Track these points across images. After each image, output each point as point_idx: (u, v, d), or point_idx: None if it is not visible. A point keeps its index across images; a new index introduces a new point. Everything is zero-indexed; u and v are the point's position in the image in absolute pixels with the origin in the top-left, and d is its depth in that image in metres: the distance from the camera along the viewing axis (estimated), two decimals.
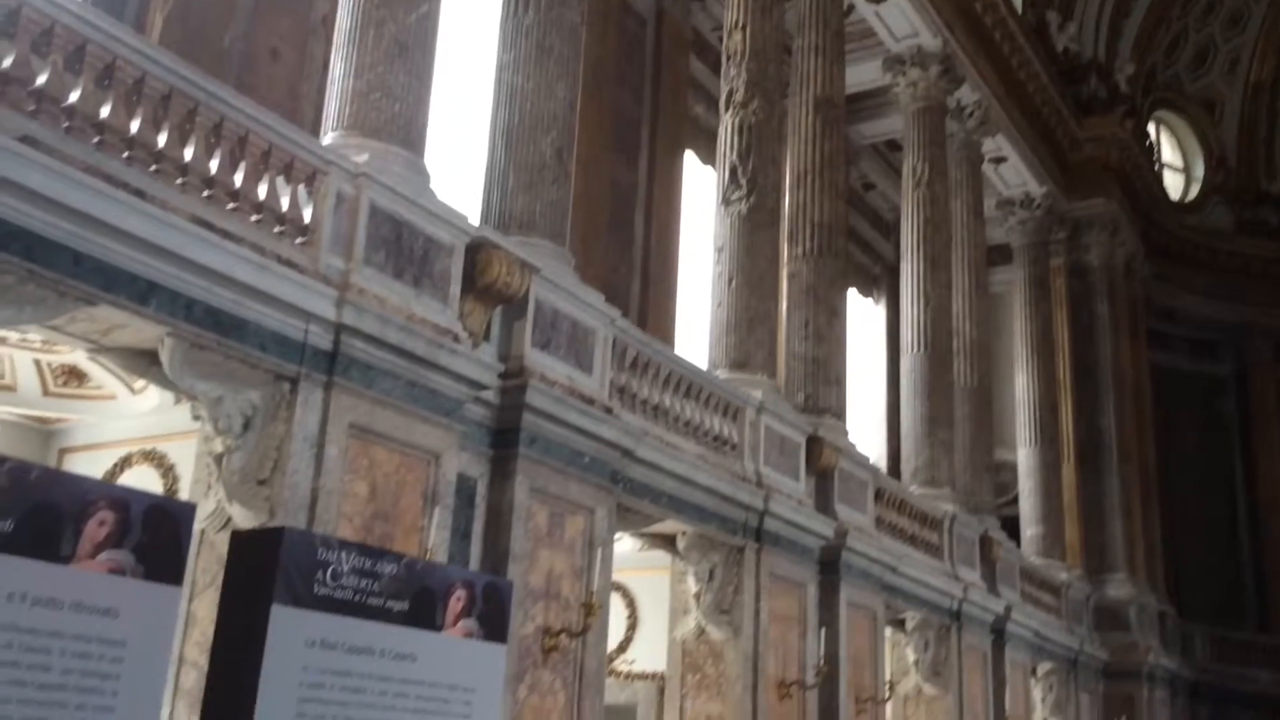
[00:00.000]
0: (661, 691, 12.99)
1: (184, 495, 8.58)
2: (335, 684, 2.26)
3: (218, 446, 7.25)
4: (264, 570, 2.20)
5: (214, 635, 2.25)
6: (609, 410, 9.87)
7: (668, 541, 12.03)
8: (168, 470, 8.80)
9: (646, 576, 13.29)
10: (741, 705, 11.81)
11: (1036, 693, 20.15)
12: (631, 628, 13.67)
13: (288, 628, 2.19)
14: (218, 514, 7.20)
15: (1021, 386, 22.25)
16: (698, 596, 12.09)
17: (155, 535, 2.12)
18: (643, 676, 13.46)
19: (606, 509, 9.88)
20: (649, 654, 13.31)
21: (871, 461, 15.66)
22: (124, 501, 2.07)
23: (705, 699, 12.07)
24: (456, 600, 2.58)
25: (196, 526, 7.31)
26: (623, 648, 13.44)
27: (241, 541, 2.29)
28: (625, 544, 12.29)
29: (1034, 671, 19.94)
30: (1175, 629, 25.46)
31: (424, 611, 2.48)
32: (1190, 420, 28.19)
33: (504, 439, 9.05)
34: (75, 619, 1.85)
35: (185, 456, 7.92)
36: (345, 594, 2.31)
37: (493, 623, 2.67)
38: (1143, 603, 23.75)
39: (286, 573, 2.20)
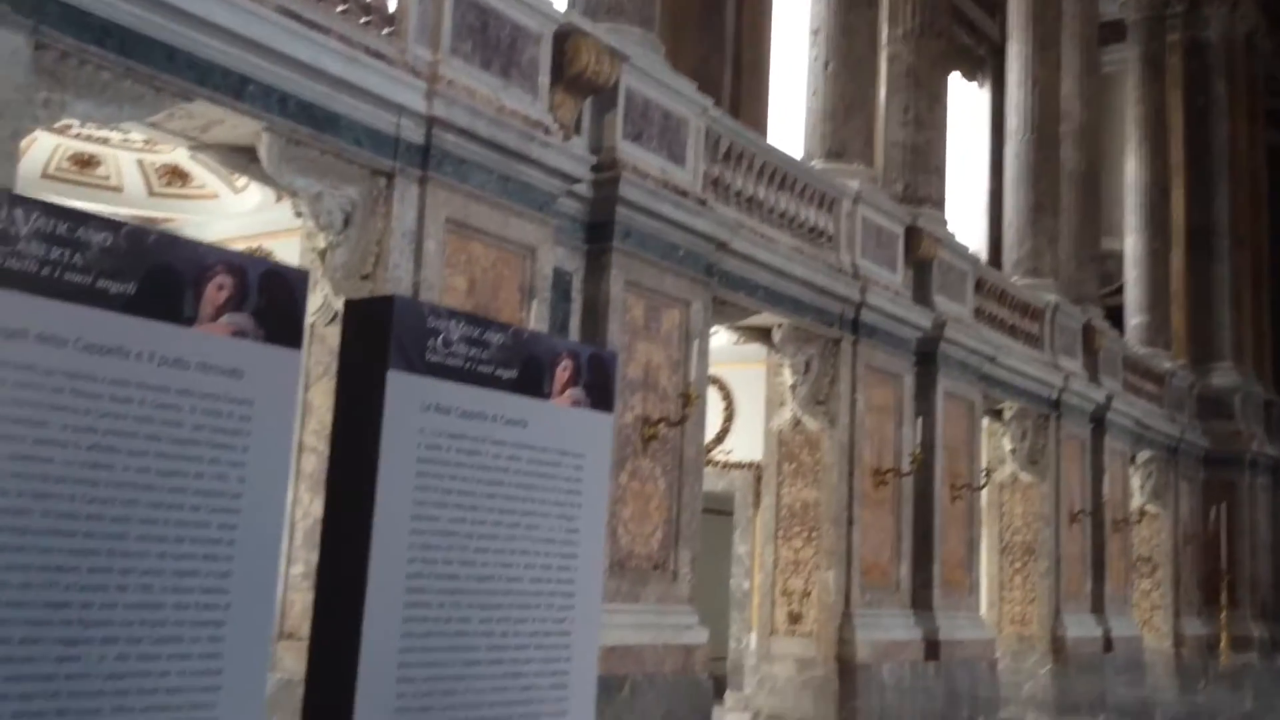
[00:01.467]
0: (758, 479, 13.32)
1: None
2: (451, 446, 2.32)
3: (320, 242, 7.37)
4: (378, 337, 2.24)
5: (335, 401, 2.32)
6: (702, 202, 9.76)
7: (763, 334, 12.07)
8: None
9: (742, 370, 13.44)
10: (837, 492, 12.06)
11: (1135, 480, 20.19)
12: (728, 419, 13.93)
13: (403, 392, 2.24)
14: (325, 308, 7.39)
15: (1131, 171, 21.41)
16: (794, 388, 12.20)
17: (273, 300, 2.11)
18: (739, 466, 13.78)
19: (702, 302, 9.91)
20: (745, 444, 13.59)
21: (971, 252, 15.35)
22: (241, 266, 2.07)
23: (801, 486, 12.33)
24: (563, 370, 2.61)
25: (306, 321, 7.53)
26: (720, 438, 13.74)
27: (355, 310, 2.33)
28: (721, 337, 12.38)
29: (1133, 459, 19.92)
30: None
31: (532, 379, 2.51)
32: None
33: (598, 233, 9.05)
34: (202, 379, 1.92)
35: (290, 254, 8.08)
36: (456, 361, 2.35)
37: (599, 392, 2.71)
38: (1248, 391, 23.35)
39: (399, 339, 2.23)
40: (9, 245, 1.69)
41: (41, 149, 7.69)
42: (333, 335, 7.48)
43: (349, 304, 2.35)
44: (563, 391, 2.66)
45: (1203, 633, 21.13)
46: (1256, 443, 22.98)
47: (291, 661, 7.20)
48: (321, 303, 7.44)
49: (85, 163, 7.96)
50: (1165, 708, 11.24)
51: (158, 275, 1.89)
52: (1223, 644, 20.26)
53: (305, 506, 7.55)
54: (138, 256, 1.85)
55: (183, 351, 1.89)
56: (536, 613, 2.62)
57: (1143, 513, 20.19)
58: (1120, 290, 21.88)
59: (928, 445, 12.94)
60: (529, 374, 2.58)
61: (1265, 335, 24.58)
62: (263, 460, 2.05)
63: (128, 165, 7.93)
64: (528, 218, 8.09)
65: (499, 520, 2.52)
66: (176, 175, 8.18)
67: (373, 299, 2.27)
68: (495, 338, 2.50)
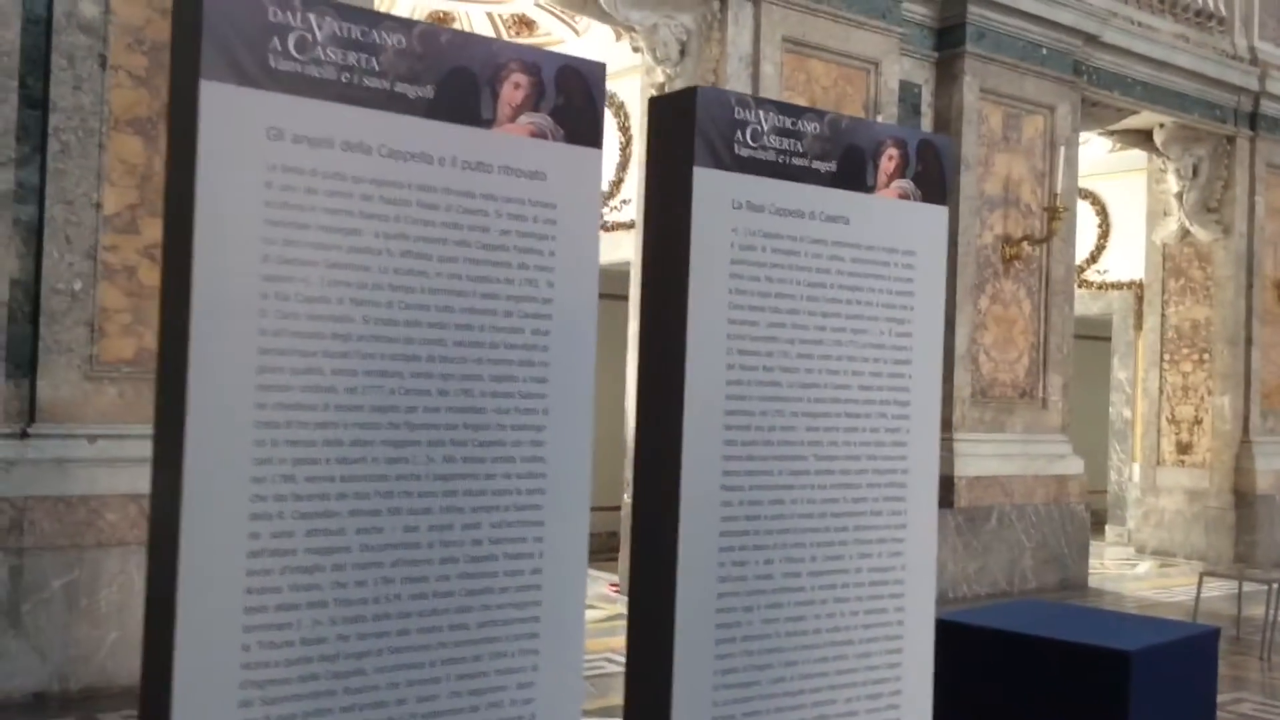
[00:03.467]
0: (1139, 299, 12.27)
1: (635, 134, 8.89)
2: (766, 245, 2.18)
3: (658, 76, 7.33)
4: (683, 132, 2.12)
5: (644, 204, 2.24)
6: None
7: (1143, 138, 10.91)
8: (618, 109, 9.12)
9: (1118, 180, 12.30)
10: (1233, 308, 10.88)
11: None
12: (1103, 236, 12.88)
13: (712, 189, 2.12)
14: None
15: None
16: (1180, 196, 11.01)
17: (570, 98, 2.04)
18: (1117, 286, 12.76)
19: (1069, 105, 9.05)
20: (1123, 262, 12.54)
21: None
22: (535, 64, 2.01)
23: (1190, 304, 11.24)
24: (889, 159, 2.38)
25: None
26: (1093, 258, 12.74)
27: (659, 106, 2.21)
28: (1093, 146, 11.33)
29: None
30: None
31: (853, 172, 2.31)
32: None
33: (948, 38, 8.42)
34: (505, 182, 1.89)
35: (632, 93, 8.12)
36: (768, 155, 2.19)
37: (931, 183, 2.46)
38: None
39: (705, 133, 2.10)
40: (307, 53, 1.71)
41: (399, 9, 8.08)
42: None
43: (653, 101, 2.24)
44: (889, 183, 2.44)
45: None
46: None
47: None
48: None
49: (441, 19, 8.31)
50: None
51: (455, 77, 1.86)
52: None
53: None
54: (434, 58, 1.82)
55: (484, 155, 1.87)
56: (868, 422, 2.47)
57: None
58: None
59: None
60: (849, 165, 2.38)
61: None
62: (569, 264, 2.01)
63: (478, 17, 8.20)
64: (869, 28, 7.64)
65: (822, 325, 2.37)
66: (524, 24, 8.38)
67: (677, 92, 2.15)
68: (810, 127, 2.31)
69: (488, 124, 1.91)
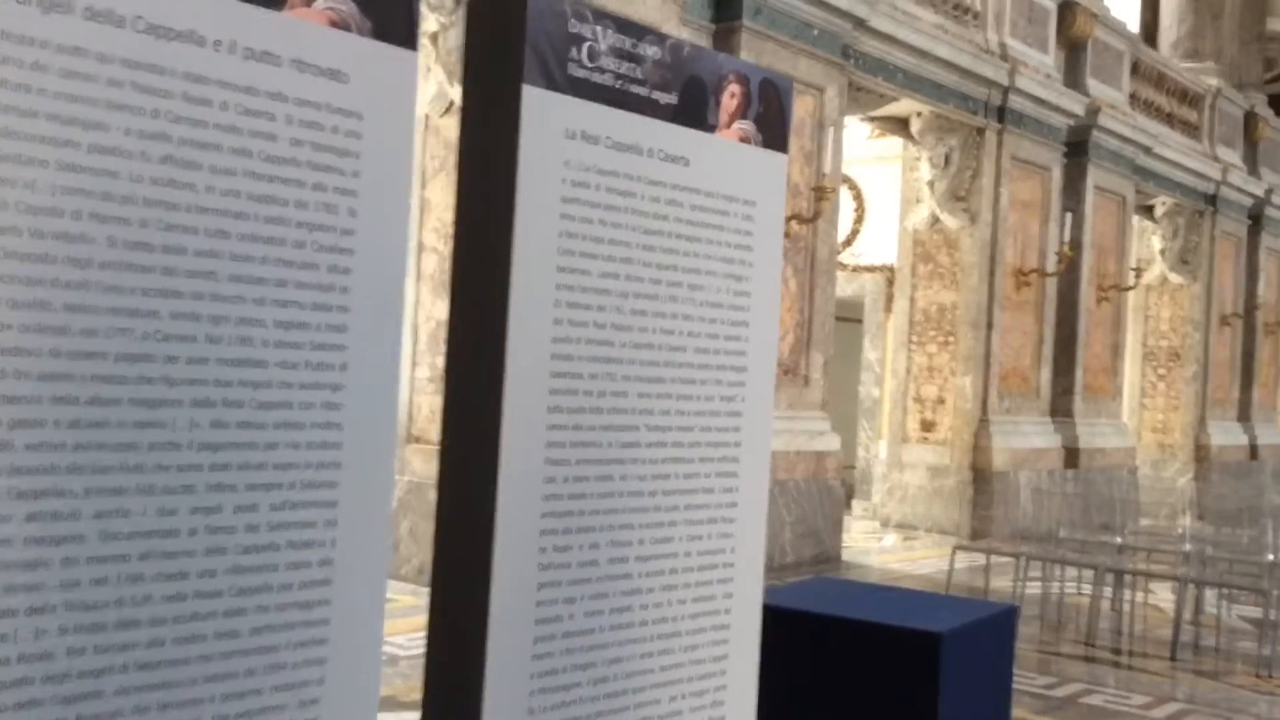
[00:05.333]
0: (890, 283, 12.73)
1: None
2: (601, 184, 1.88)
3: (431, 25, 6.88)
4: (510, 43, 1.79)
5: (460, 129, 1.88)
6: None
7: (900, 125, 11.27)
8: None
9: (874, 167, 12.70)
10: (976, 294, 11.43)
11: None
12: (858, 220, 13.28)
13: (543, 113, 1.79)
14: (439, 97, 6.95)
15: None
16: (931, 184, 11.45)
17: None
18: (870, 269, 13.20)
19: (837, 87, 9.18)
20: (876, 246, 12.97)
21: (1129, 30, 14.06)
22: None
23: (938, 288, 11.73)
24: (730, 97, 2.12)
25: (420, 110, 7.11)
26: (848, 241, 13.11)
27: (481, 12, 1.86)
28: (852, 133, 11.63)
29: None
30: None
31: (694, 107, 2.04)
32: None
33: (726, 10, 8.34)
34: (298, 80, 1.57)
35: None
36: (605, 79, 1.88)
37: (772, 127, 2.23)
38: None
39: (536, 47, 1.77)
40: None
41: None
42: (449, 127, 7.06)
43: (472, 6, 1.89)
44: (730, 124, 2.19)
45: None
46: None
47: (420, 464, 7.09)
48: (435, 91, 7.00)
49: None
50: None
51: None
52: None
53: (428, 308, 7.31)
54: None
55: (271, 42, 1.48)
56: (703, 389, 2.22)
57: None
58: None
59: (1075, 244, 12.14)
60: (691, 100, 2.11)
61: None
62: (376, 188, 1.64)
63: None
64: None
65: (658, 278, 2.10)
66: None
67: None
68: (651, 51, 2.02)
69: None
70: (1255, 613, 7.65)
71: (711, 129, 2.16)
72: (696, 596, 2.26)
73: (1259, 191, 16.46)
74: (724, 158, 2.18)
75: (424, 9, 6.88)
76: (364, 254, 1.64)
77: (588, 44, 1.92)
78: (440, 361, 6.69)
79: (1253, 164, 16.64)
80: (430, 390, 7.17)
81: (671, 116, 2.08)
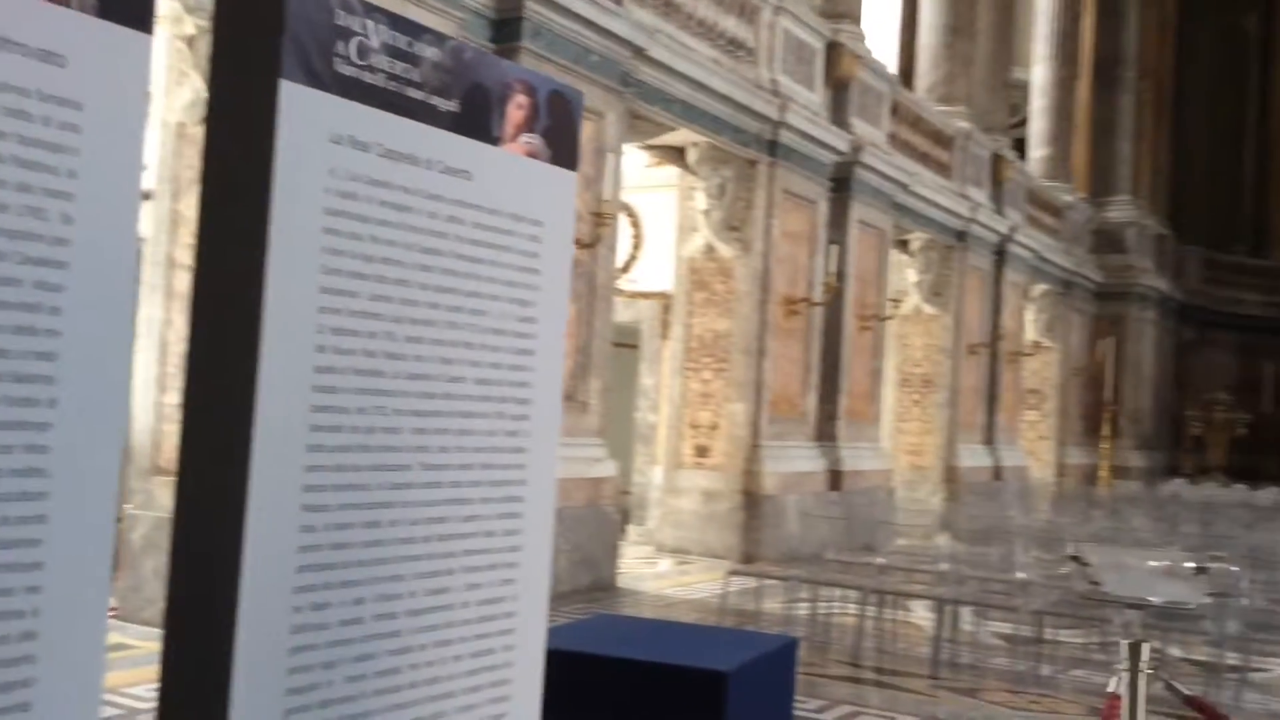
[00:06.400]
0: (666, 309, 12.84)
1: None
2: (372, 196, 1.68)
3: (188, 28, 6.42)
4: (266, 34, 1.56)
5: (205, 134, 1.64)
6: (618, 1, 8.93)
7: (677, 155, 11.41)
8: None
9: (651, 195, 12.79)
10: (749, 321, 11.66)
11: (1029, 313, 20.36)
12: (636, 247, 13.34)
13: (305, 113, 1.58)
14: (197, 104, 6.49)
15: None
16: (707, 214, 11.63)
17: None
18: (646, 296, 13.27)
19: (616, 114, 9.17)
20: (653, 273, 13.07)
21: (889, 73, 14.76)
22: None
23: (713, 316, 11.90)
24: (517, 108, 1.96)
25: (172, 118, 6.61)
26: (626, 268, 13.16)
27: None
28: (630, 161, 11.68)
29: (1028, 292, 20.05)
30: (1171, 252, 25.52)
31: (477, 117, 1.87)
32: (1209, 35, 26.81)
33: (505, 31, 8.18)
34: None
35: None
36: (377, 79, 1.69)
37: (561, 143, 2.07)
38: (1142, 225, 23.61)
39: (297, 38, 1.55)
40: None
41: None
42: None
43: None
44: (516, 136, 2.02)
45: (1084, 463, 21.77)
46: (1147, 276, 23.37)
47: (169, 498, 6.55)
48: (192, 97, 6.53)
49: None
50: (1064, 529, 11.37)
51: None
52: (1104, 473, 20.89)
53: (179, 330, 6.78)
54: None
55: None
56: (485, 423, 2.03)
57: (1035, 346, 20.44)
58: (1024, 122, 21.64)
59: (840, 274, 12.59)
60: (473, 108, 1.93)
61: (1162, 169, 24.74)
62: (98, 192, 1.38)
63: None
64: (427, 6, 7.21)
65: (435, 302, 1.90)
66: None
67: None
68: (430, 51, 1.83)
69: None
70: (1007, 629, 8.03)
71: (496, 141, 1.98)
72: (475, 651, 2.07)
73: (1003, 229, 17.59)
74: (509, 173, 2.01)
75: (182, 10, 6.43)
76: (82, 268, 1.38)
77: (357, 39, 1.72)
78: None
79: (998, 203, 17.78)
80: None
81: (452, 125, 1.89)
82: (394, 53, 1.79)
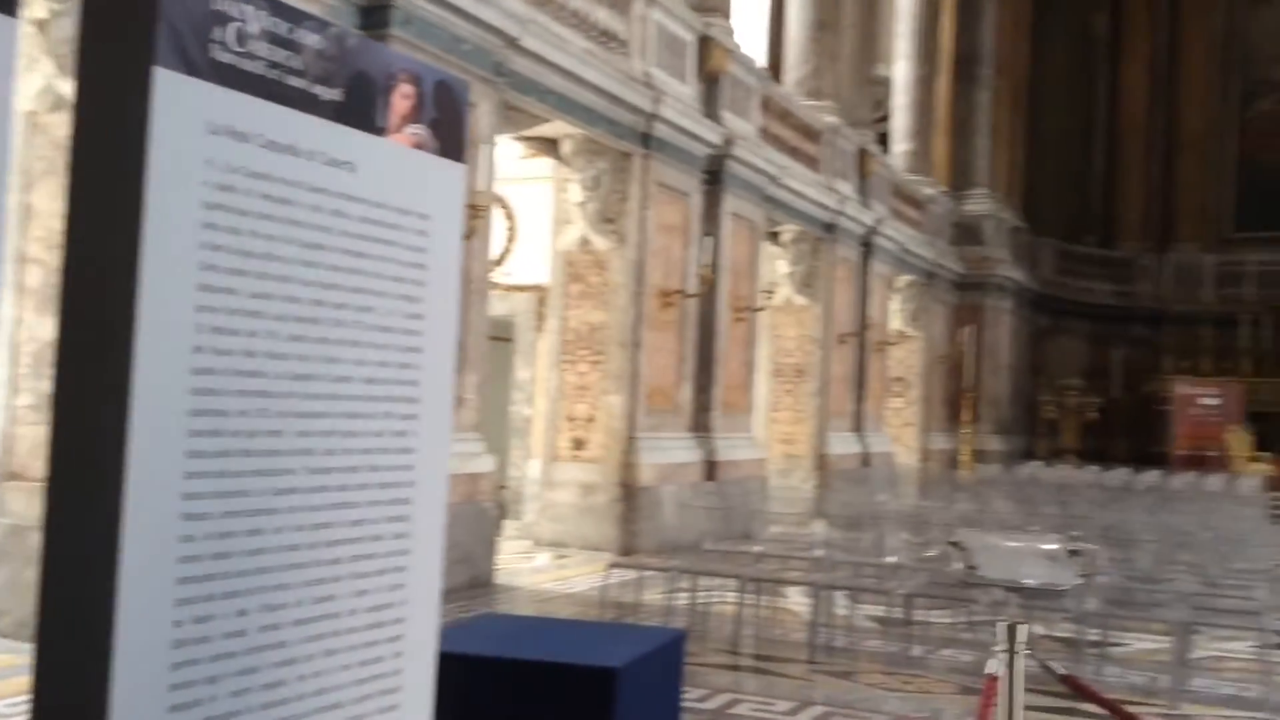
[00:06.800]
0: (542, 302, 12.78)
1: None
2: (252, 189, 1.61)
3: (40, 11, 6.11)
4: (139, 18, 1.48)
5: (73, 124, 1.54)
6: None
7: (551, 146, 11.34)
8: None
9: (525, 187, 12.70)
10: (625, 314, 11.68)
11: (894, 303, 20.90)
12: (510, 240, 13.23)
13: (180, 102, 1.50)
14: (47, 91, 6.18)
15: None
16: (582, 206, 11.60)
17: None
18: (522, 289, 13.18)
19: (491, 104, 9.06)
20: (528, 266, 12.98)
21: (759, 67, 14.95)
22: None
23: (589, 308, 11.88)
24: (402, 98, 1.90)
25: (22, 106, 6.28)
26: (500, 260, 13.04)
27: None
28: (504, 153, 11.57)
29: (893, 283, 20.58)
30: (1026, 244, 26.51)
31: (361, 106, 1.81)
32: (1062, 34, 27.93)
33: (374, 18, 8.01)
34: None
35: None
36: (257, 67, 1.61)
37: (448, 134, 2.02)
38: (999, 218, 24.46)
39: (172, 23, 1.48)
40: None
41: None
42: (58, 125, 6.29)
43: None
44: (401, 127, 1.96)
45: (947, 447, 22.46)
46: (1003, 267, 24.22)
47: (21, 505, 6.24)
48: (43, 85, 6.21)
49: None
50: (931, 513, 11.73)
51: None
52: (966, 457, 21.60)
53: (31, 328, 6.46)
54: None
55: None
56: (372, 424, 1.97)
57: (900, 335, 21.01)
58: (887, 117, 22.17)
59: (714, 266, 12.70)
60: (357, 97, 1.86)
61: (1018, 164, 25.67)
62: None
63: None
64: None
65: (319, 299, 1.83)
66: None
67: None
68: (311, 39, 1.76)
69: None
70: (879, 611, 8.22)
71: (381, 132, 1.92)
72: (363, 660, 2.01)
73: (870, 221, 18.01)
74: (395, 165, 1.95)
75: None
76: None
77: (235, 24, 1.64)
78: (45, 386, 5.91)
79: (865, 196, 18.19)
80: (33, 420, 6.34)
81: (335, 115, 1.83)
82: (274, 39, 1.71)
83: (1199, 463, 23.04)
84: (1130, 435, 26.67)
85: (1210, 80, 28.25)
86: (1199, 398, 24.88)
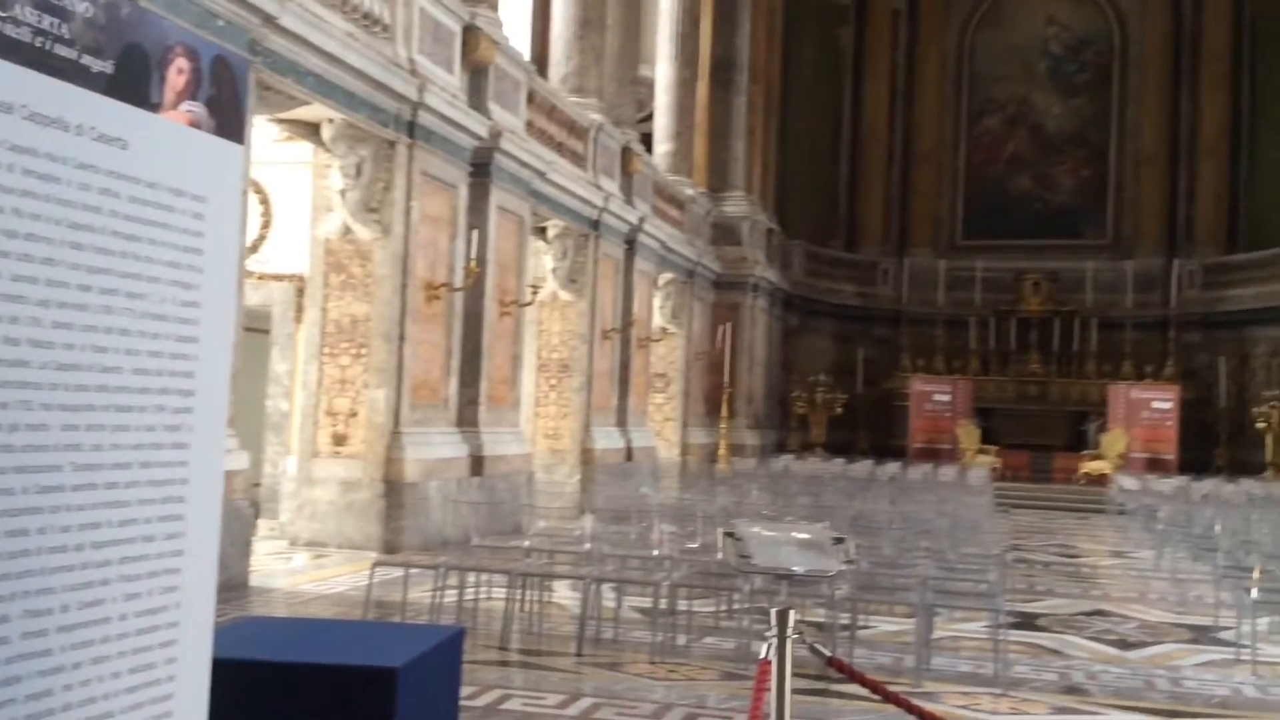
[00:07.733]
0: (301, 293, 12.34)
1: None
2: (15, 164, 1.49)
3: None
4: None
5: None
6: None
7: (311, 131, 10.96)
8: None
9: (283, 171, 12.22)
10: (390, 306, 11.44)
11: (656, 300, 21.36)
12: (265, 226, 12.71)
13: None
14: None
15: None
16: (344, 194, 11.27)
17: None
18: (279, 278, 12.69)
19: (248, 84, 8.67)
20: (286, 255, 12.51)
21: (525, 61, 14.94)
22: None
23: (350, 300, 11.57)
24: (178, 73, 1.80)
25: None
26: (254, 248, 12.50)
27: None
28: (260, 134, 11.09)
29: (656, 281, 21.03)
30: (779, 245, 27.64)
31: (134, 80, 1.70)
32: (811, 46, 29.28)
33: None
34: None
35: None
36: (22, 34, 1.49)
37: (226, 113, 1.93)
38: (755, 219, 25.39)
39: None
40: None
41: None
42: None
43: None
44: (177, 104, 1.85)
45: (706, 442, 23.16)
46: (759, 268, 25.17)
47: None
48: None
49: None
50: (694, 506, 12.06)
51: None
52: (722, 451, 22.33)
53: None
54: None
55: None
56: (144, 418, 1.85)
57: (662, 331, 21.49)
58: (650, 118, 22.62)
59: (480, 260, 12.62)
60: (130, 70, 1.75)
61: (771, 168, 26.72)
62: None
63: None
64: None
65: (88, 284, 1.71)
66: None
67: None
68: (81, 6, 1.64)
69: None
70: (645, 603, 8.39)
71: (155, 108, 1.81)
72: (134, 666, 1.89)
73: (634, 219, 18.33)
74: (169, 143, 1.84)
75: None
76: None
77: None
78: None
79: (629, 194, 18.49)
80: None
81: (105, 88, 1.71)
82: (41, 4, 1.59)
83: (933, 455, 24.69)
84: (872, 429, 28.27)
85: (944, 96, 30.29)
86: (933, 394, 26.64)
